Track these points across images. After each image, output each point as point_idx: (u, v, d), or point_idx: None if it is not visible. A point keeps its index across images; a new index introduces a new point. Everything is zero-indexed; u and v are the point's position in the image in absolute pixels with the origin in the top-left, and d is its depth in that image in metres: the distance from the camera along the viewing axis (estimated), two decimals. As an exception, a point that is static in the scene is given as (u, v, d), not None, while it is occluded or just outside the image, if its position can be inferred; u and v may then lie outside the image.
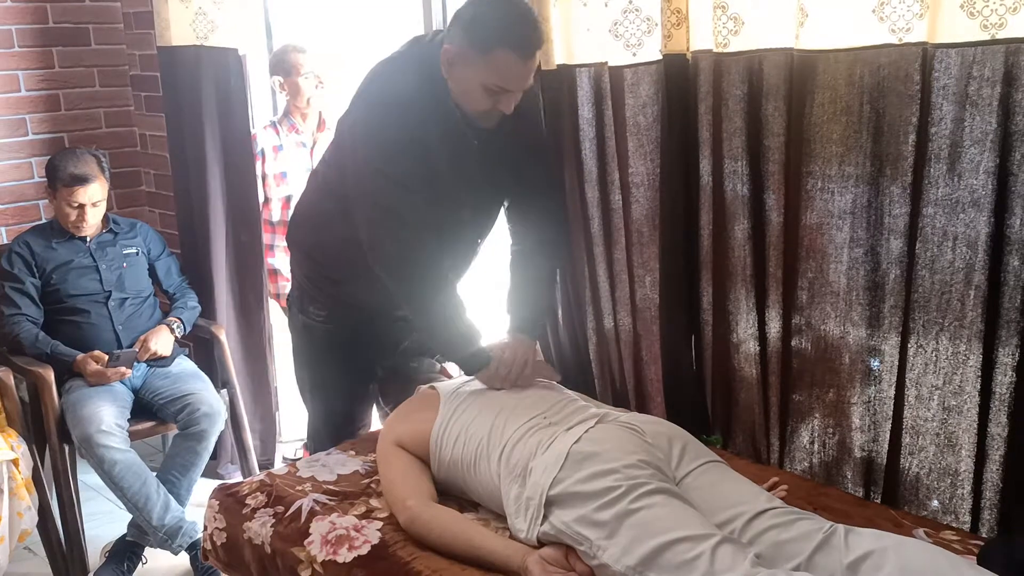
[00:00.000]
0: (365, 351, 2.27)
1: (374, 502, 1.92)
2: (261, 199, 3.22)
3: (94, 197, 2.84)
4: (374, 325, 2.24)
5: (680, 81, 2.05)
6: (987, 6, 1.59)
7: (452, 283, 2.03)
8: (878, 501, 1.97)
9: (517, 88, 1.87)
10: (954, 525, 1.84)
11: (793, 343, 2.04)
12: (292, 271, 2.35)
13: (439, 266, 1.98)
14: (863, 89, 1.79)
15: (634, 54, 2.10)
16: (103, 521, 3.01)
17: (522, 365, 1.99)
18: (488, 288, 2.62)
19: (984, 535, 1.82)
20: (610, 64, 2.15)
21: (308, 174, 3.21)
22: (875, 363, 1.93)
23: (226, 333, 3.16)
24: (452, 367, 2.34)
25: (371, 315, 2.21)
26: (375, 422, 2.50)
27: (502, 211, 2.19)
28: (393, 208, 1.91)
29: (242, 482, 2.05)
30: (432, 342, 2.17)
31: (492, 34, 1.80)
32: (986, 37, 1.61)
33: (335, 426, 2.33)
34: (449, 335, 2.01)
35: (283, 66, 3.14)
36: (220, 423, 2.82)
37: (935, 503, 1.89)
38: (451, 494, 1.91)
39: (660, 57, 2.04)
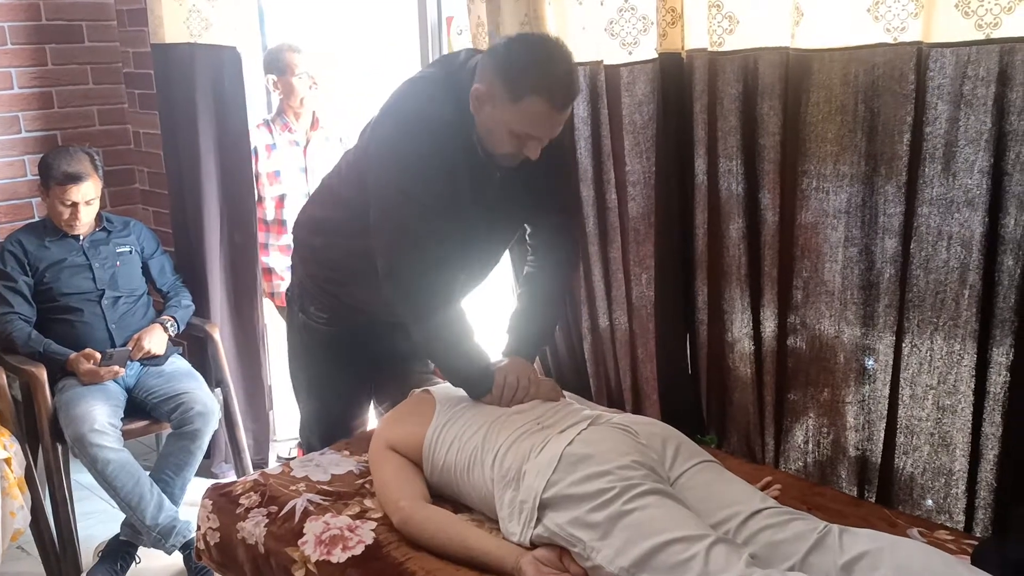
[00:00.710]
0: (364, 354, 2.25)
1: (368, 502, 1.91)
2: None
3: (87, 195, 2.83)
4: (374, 328, 2.22)
5: (676, 80, 2.05)
6: (982, 5, 1.59)
7: (461, 308, 1.99)
8: (872, 500, 1.97)
9: (546, 136, 1.82)
10: (948, 525, 1.84)
11: (788, 342, 2.04)
12: (294, 267, 2.31)
13: (451, 292, 1.95)
14: (858, 88, 1.79)
15: (630, 53, 2.10)
16: (96, 520, 3.00)
17: (526, 388, 1.93)
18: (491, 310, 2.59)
19: (978, 535, 1.82)
20: (606, 63, 2.14)
21: (302, 173, 3.24)
22: (870, 362, 1.93)
23: (220, 332, 3.16)
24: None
25: (372, 319, 2.19)
26: (371, 420, 2.50)
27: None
28: (415, 232, 1.85)
29: (235, 482, 2.05)
30: (438, 365, 2.11)
31: (526, 80, 1.73)
32: (981, 37, 1.61)
33: (329, 424, 2.33)
34: (455, 359, 1.96)
35: (277, 65, 3.13)
36: (214, 422, 2.82)
37: (929, 502, 1.90)
38: (445, 498, 1.90)
39: (656, 56, 2.04)
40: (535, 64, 1.74)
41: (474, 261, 2.04)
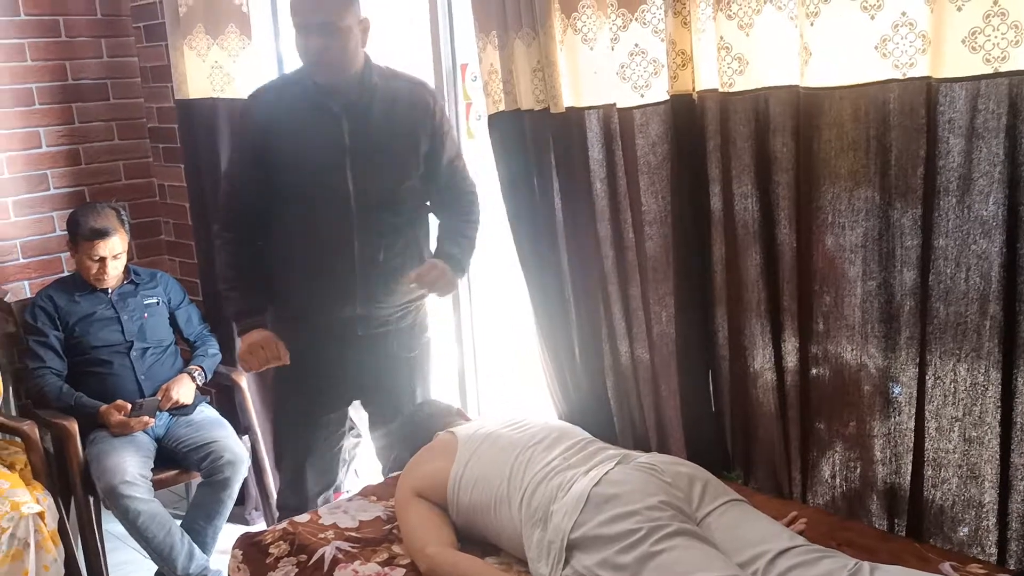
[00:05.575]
0: (314, 379, 2.42)
1: (396, 548, 1.92)
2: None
3: (114, 250, 2.89)
4: (319, 347, 2.39)
5: (688, 120, 2.07)
6: (988, 40, 1.61)
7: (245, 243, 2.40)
8: (903, 534, 1.95)
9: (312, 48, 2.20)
10: (981, 558, 1.82)
11: (811, 377, 2.04)
12: None
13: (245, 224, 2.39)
14: (870, 124, 1.80)
15: (642, 95, 2.12)
16: (129, 570, 3.02)
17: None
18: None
19: (1012, 567, 1.80)
20: (619, 106, 2.17)
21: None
22: (894, 394, 1.93)
23: (246, 379, 3.19)
24: (470, 411, 2.35)
25: (313, 330, 2.38)
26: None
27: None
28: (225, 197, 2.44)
29: (264, 531, 2.06)
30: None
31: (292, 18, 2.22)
32: (989, 71, 1.62)
33: (292, 447, 2.51)
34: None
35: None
36: (243, 470, 2.84)
37: (960, 535, 1.88)
38: (472, 538, 1.91)
39: (667, 98, 2.06)
40: (291, 6, 2.21)
41: (345, 203, 2.29)
